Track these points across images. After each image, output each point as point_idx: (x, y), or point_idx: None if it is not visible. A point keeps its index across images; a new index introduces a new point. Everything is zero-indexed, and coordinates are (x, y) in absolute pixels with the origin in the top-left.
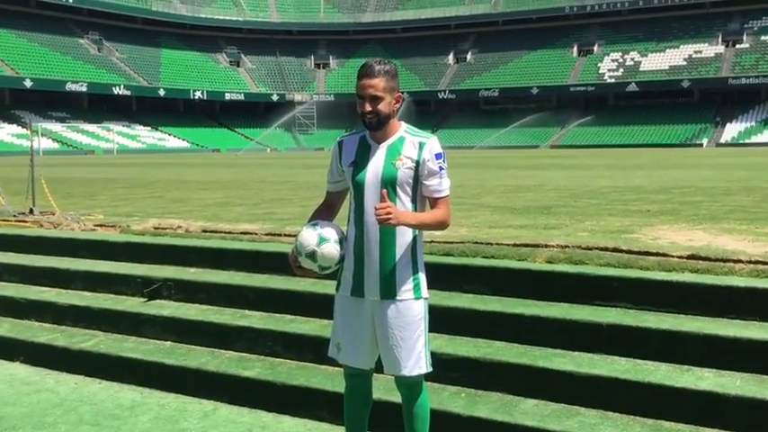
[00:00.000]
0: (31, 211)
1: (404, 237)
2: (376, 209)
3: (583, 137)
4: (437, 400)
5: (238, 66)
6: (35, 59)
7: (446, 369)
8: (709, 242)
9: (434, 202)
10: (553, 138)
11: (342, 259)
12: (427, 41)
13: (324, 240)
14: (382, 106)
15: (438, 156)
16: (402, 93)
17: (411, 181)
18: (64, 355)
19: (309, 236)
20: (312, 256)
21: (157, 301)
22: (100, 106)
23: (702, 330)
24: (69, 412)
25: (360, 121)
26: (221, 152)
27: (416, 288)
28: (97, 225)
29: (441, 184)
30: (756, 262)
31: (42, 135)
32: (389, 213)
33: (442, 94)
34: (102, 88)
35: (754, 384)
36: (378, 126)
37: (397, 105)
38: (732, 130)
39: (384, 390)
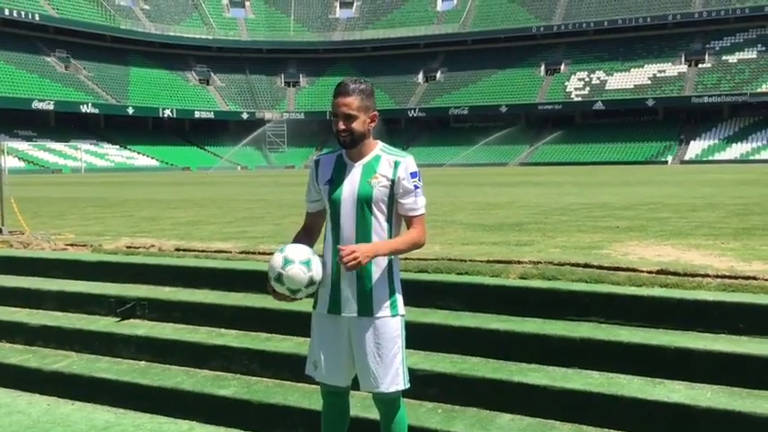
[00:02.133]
0: (0, 231)
1: None
2: (340, 257)
3: (551, 154)
4: (414, 416)
5: (208, 84)
6: (0, 77)
7: (423, 385)
8: (677, 257)
9: (409, 221)
10: (522, 155)
11: (312, 282)
12: (397, 60)
13: (288, 262)
14: (356, 125)
15: (413, 174)
16: (377, 112)
17: (386, 199)
18: (36, 376)
19: (276, 259)
20: (279, 279)
21: (131, 320)
22: (67, 124)
23: (673, 344)
24: None
25: (335, 139)
26: (192, 170)
27: (393, 305)
28: (68, 244)
29: (416, 203)
30: (723, 276)
31: (8, 154)
32: (355, 256)
33: (412, 112)
34: (69, 106)
35: (723, 396)
36: (352, 144)
37: (373, 124)
38: (696, 147)
39: (361, 407)
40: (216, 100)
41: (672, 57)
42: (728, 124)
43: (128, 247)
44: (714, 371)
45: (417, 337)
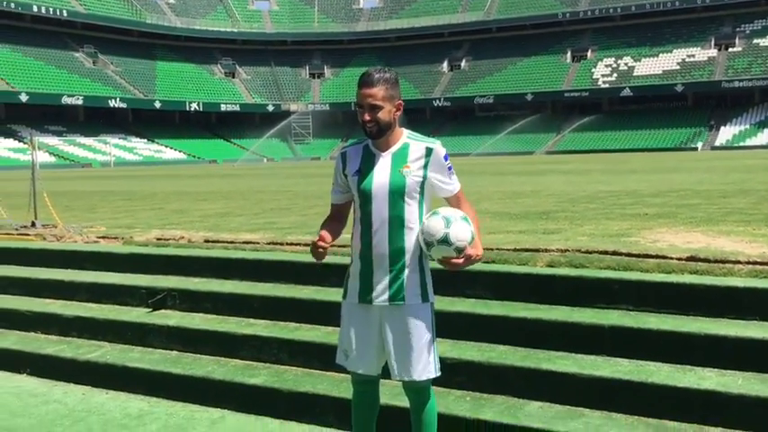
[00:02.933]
0: (33, 225)
1: (411, 242)
2: (463, 260)
3: (578, 142)
4: (443, 403)
5: (233, 77)
6: (31, 74)
7: (451, 373)
8: (707, 244)
9: (452, 199)
10: (548, 143)
11: (473, 237)
12: (421, 50)
13: (450, 221)
14: (382, 115)
15: (446, 157)
16: (402, 101)
17: (418, 188)
18: (71, 366)
19: (435, 223)
20: (446, 240)
21: (162, 311)
22: (96, 119)
23: (703, 331)
24: (77, 423)
25: (360, 130)
26: (218, 163)
27: (424, 292)
28: (100, 237)
29: (453, 181)
30: (755, 263)
31: (38, 149)
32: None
33: (437, 101)
34: (97, 101)
35: (755, 383)
36: (378, 134)
37: (398, 113)
38: (727, 133)
39: (390, 395)
40: (241, 92)
41: (701, 41)
42: (760, 109)
43: (158, 239)
44: (745, 358)
45: (445, 325)
